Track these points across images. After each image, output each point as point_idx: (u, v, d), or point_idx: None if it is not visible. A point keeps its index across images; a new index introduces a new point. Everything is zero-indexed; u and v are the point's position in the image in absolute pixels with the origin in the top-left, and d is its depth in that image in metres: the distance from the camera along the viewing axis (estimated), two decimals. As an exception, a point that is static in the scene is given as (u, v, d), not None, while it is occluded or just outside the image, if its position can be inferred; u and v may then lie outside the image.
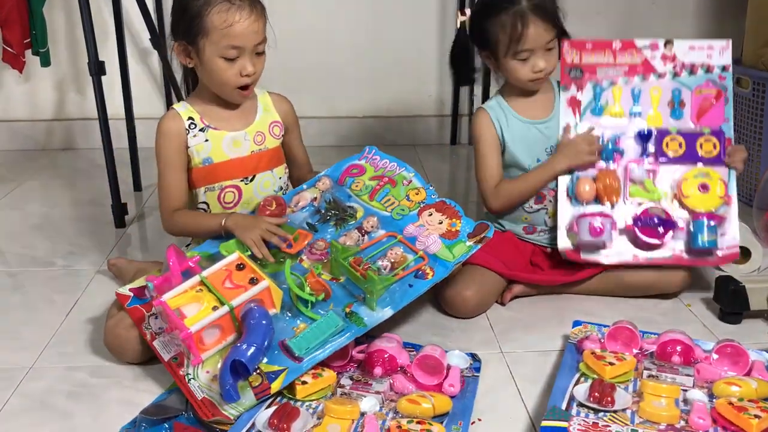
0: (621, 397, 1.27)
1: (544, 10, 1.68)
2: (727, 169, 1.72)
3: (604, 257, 1.69)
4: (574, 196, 1.72)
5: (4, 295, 1.80)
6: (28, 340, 1.58)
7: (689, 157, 1.72)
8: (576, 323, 1.58)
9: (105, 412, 1.34)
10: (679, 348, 1.42)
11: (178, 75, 1.75)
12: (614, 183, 1.71)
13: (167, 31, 2.75)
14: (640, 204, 1.71)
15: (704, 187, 1.70)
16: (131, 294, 1.52)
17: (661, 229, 1.66)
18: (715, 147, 1.72)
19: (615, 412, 1.24)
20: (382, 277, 1.46)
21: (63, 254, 2.02)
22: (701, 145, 1.72)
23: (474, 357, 1.47)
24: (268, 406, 1.29)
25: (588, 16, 2.91)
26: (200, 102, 1.65)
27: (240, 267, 1.44)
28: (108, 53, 2.42)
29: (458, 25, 1.80)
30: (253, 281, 1.39)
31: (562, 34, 1.74)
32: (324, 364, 1.37)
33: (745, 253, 1.79)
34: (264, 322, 1.33)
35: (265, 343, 1.31)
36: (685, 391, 1.31)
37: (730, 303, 1.65)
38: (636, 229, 1.66)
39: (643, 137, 1.74)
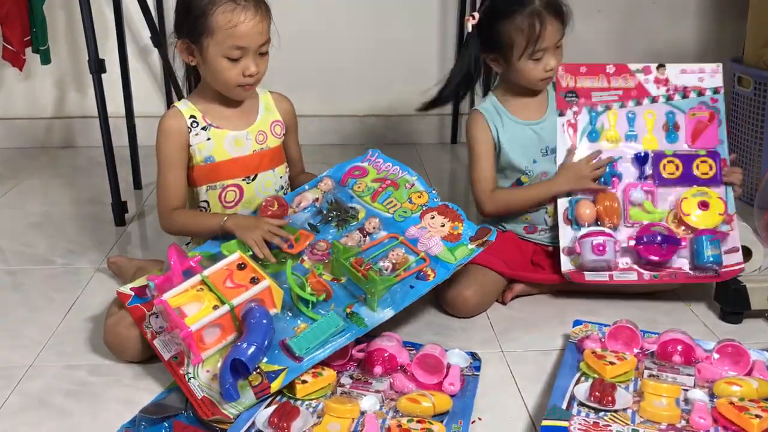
0: (622, 397, 1.27)
1: (557, 8, 1.69)
2: (725, 188, 1.74)
3: (609, 278, 1.68)
4: (574, 220, 1.73)
5: (4, 294, 1.79)
6: (27, 338, 1.58)
7: (686, 178, 1.73)
8: (576, 322, 1.58)
9: (104, 411, 1.34)
10: (679, 347, 1.42)
11: (179, 73, 1.75)
12: (614, 204, 1.71)
13: (168, 29, 2.77)
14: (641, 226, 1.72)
15: (704, 205, 1.70)
16: (132, 293, 1.52)
17: (665, 246, 1.66)
18: (711, 168, 1.73)
19: (616, 411, 1.24)
20: (383, 278, 1.46)
21: (63, 252, 2.02)
22: (697, 167, 1.74)
23: (474, 356, 1.47)
24: (268, 405, 1.29)
25: (589, 14, 2.90)
26: (202, 100, 1.65)
27: (241, 266, 1.44)
28: (108, 51, 2.42)
29: (468, 30, 1.72)
30: (254, 281, 1.39)
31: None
32: (324, 363, 1.37)
33: (746, 253, 1.79)
34: (264, 321, 1.33)
35: (266, 342, 1.31)
36: (686, 390, 1.31)
37: (731, 302, 1.65)
38: (639, 248, 1.66)
39: (640, 160, 1.75)
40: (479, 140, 1.78)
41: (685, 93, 1.78)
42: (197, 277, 1.42)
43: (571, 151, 1.75)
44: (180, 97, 2.08)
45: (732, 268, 1.68)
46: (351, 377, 1.38)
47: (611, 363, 1.36)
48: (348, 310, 1.44)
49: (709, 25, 3.06)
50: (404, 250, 1.55)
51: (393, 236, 1.59)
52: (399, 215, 1.63)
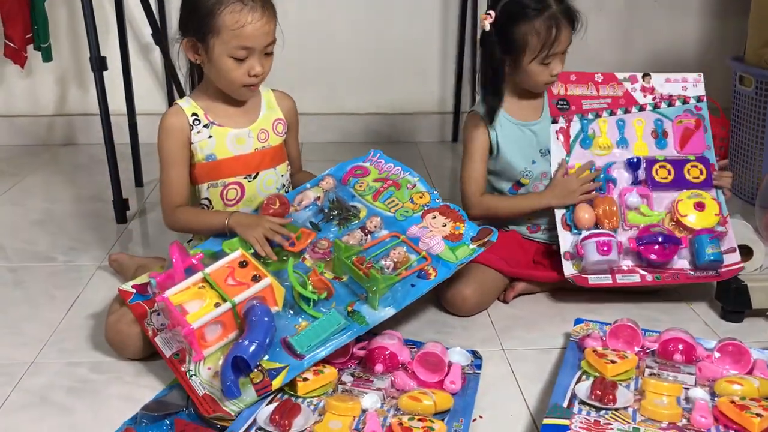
0: (623, 396, 1.27)
1: (572, 15, 1.69)
2: (716, 190, 1.76)
3: (612, 281, 1.68)
4: (573, 224, 1.73)
5: (5, 291, 1.79)
6: (28, 335, 1.58)
7: (679, 182, 1.76)
8: (578, 321, 1.58)
9: (106, 408, 1.34)
10: (680, 346, 1.42)
11: (180, 71, 1.75)
12: (613, 207, 1.72)
13: (169, 26, 2.78)
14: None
15: (700, 206, 1.72)
16: (134, 290, 1.52)
17: (666, 246, 1.66)
18: (702, 172, 1.76)
19: (617, 410, 1.24)
20: (384, 276, 1.46)
21: (64, 250, 2.02)
22: (689, 171, 1.76)
23: (475, 354, 1.47)
24: (269, 403, 1.29)
25: (589, 13, 2.89)
26: (205, 98, 1.65)
27: (243, 264, 1.44)
28: (110, 49, 2.42)
29: (484, 28, 1.69)
30: (256, 278, 1.39)
31: None
32: (325, 360, 1.37)
33: (747, 252, 1.79)
34: (266, 319, 1.33)
35: (267, 340, 1.31)
36: (687, 389, 1.31)
37: (732, 301, 1.65)
38: (640, 249, 1.67)
39: (633, 165, 1.77)
40: (474, 141, 1.78)
41: (670, 101, 1.82)
42: (199, 275, 1.42)
43: (562, 165, 1.76)
44: (181, 95, 2.08)
45: (731, 268, 1.69)
46: (352, 375, 1.38)
47: (612, 361, 1.36)
48: (349, 309, 1.44)
49: (711, 23, 3.06)
50: (405, 249, 1.55)
51: (394, 235, 1.59)
52: (400, 214, 1.63)
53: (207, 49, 1.56)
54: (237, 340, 1.31)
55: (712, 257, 1.66)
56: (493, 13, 1.69)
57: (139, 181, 2.52)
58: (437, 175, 2.64)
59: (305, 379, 1.32)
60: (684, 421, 1.22)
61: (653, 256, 1.66)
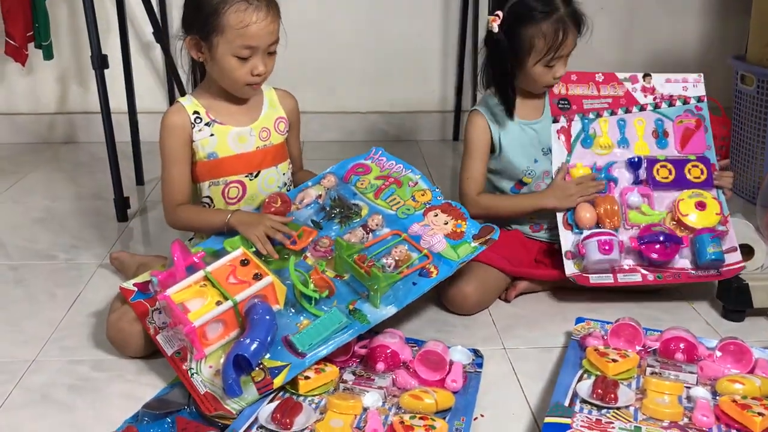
0: (624, 394, 1.27)
1: (579, 19, 1.69)
2: (717, 190, 1.76)
3: (613, 280, 1.68)
4: (574, 224, 1.73)
5: (6, 289, 1.79)
6: (29, 333, 1.58)
7: (679, 182, 1.76)
8: (579, 320, 1.58)
9: (107, 406, 1.34)
10: (682, 345, 1.42)
11: (181, 70, 1.75)
12: (614, 207, 1.72)
13: (170, 24, 2.78)
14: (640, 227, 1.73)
15: (701, 206, 1.72)
16: (135, 288, 1.52)
17: (668, 245, 1.66)
18: (702, 172, 1.77)
19: (618, 408, 1.24)
20: (386, 275, 1.46)
21: (65, 248, 2.02)
22: (689, 171, 1.77)
23: (476, 353, 1.47)
24: (271, 401, 1.29)
25: (591, 12, 2.89)
26: (206, 96, 1.65)
27: (244, 262, 1.44)
28: (111, 47, 2.42)
29: (491, 30, 1.68)
30: (257, 277, 1.39)
31: None
32: (327, 359, 1.37)
33: (748, 251, 1.79)
34: (267, 317, 1.33)
35: (268, 338, 1.31)
36: (689, 388, 1.31)
37: (734, 300, 1.65)
38: (642, 248, 1.67)
39: (634, 165, 1.77)
40: (475, 140, 1.78)
41: (671, 101, 1.82)
42: (200, 273, 1.42)
43: (562, 168, 1.76)
44: (182, 93, 2.08)
45: (733, 267, 1.69)
46: (354, 373, 1.38)
47: (614, 360, 1.36)
48: (351, 307, 1.44)
49: (712, 22, 3.06)
50: (407, 247, 1.55)
51: (396, 233, 1.59)
52: (402, 212, 1.63)
53: (210, 47, 1.56)
54: (238, 339, 1.31)
55: (713, 256, 1.66)
56: (500, 14, 1.69)
57: (140, 180, 2.52)
58: (438, 174, 2.64)
59: (307, 378, 1.32)
60: (685, 420, 1.22)
61: (654, 256, 1.66)
